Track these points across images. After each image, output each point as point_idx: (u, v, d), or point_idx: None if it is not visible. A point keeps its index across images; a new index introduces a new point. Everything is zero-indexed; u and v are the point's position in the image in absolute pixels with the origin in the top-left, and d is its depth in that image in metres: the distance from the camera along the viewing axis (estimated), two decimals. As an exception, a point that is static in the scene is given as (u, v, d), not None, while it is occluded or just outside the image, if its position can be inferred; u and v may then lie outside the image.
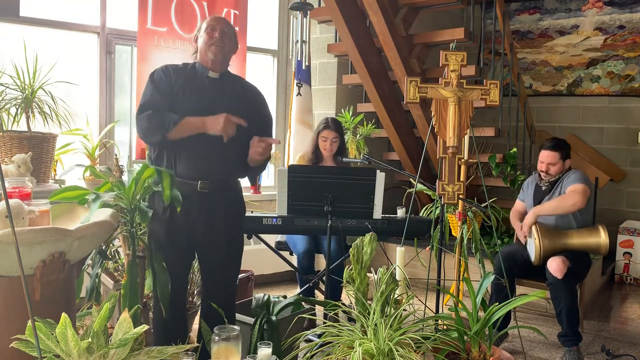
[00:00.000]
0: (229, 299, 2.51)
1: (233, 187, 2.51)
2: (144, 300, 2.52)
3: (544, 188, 3.39)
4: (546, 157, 3.35)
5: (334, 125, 3.56)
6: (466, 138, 3.55)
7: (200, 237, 2.41)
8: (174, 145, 2.34)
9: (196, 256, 2.54)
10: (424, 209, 3.80)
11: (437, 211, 3.38)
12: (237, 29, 4.26)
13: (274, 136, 4.87)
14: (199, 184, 2.36)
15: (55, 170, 3.26)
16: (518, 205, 3.57)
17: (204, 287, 2.55)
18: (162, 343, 2.25)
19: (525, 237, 3.36)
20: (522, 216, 3.49)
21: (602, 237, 3.19)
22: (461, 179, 3.49)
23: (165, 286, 2.28)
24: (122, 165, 2.62)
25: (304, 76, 4.29)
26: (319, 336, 2.14)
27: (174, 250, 2.39)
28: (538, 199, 3.40)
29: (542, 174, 3.39)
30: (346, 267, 2.29)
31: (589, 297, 4.15)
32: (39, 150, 2.87)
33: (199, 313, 2.64)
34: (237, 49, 2.54)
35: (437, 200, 3.26)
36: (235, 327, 2.02)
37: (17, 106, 2.88)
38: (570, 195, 3.17)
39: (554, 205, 3.23)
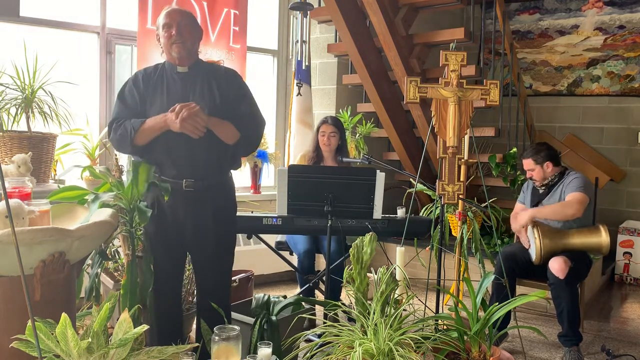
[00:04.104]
0: (223, 297, 2.50)
1: (222, 185, 2.47)
2: (144, 300, 2.52)
3: (541, 191, 3.40)
4: (524, 166, 3.42)
5: (332, 120, 3.58)
6: (466, 138, 3.55)
7: (189, 236, 2.40)
8: (154, 146, 2.33)
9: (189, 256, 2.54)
10: (424, 209, 3.80)
11: (437, 211, 3.38)
12: (237, 28, 4.31)
13: (274, 133, 4.91)
14: (184, 182, 2.34)
15: (55, 170, 3.26)
16: (518, 208, 3.55)
17: (197, 286, 2.55)
18: (157, 344, 2.25)
19: (526, 238, 3.35)
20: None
21: (603, 237, 3.19)
22: (461, 179, 3.49)
23: (146, 289, 2.29)
24: (121, 165, 2.62)
25: (304, 76, 4.29)
26: (319, 336, 2.13)
27: (164, 250, 2.39)
28: (535, 201, 3.41)
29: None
30: (346, 267, 2.29)
31: (589, 297, 4.15)
32: (39, 150, 2.87)
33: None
34: (202, 34, 2.48)
35: (437, 200, 3.26)
36: (235, 327, 2.02)
37: (17, 106, 2.88)
38: (571, 205, 3.17)
39: (553, 210, 3.23)
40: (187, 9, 2.47)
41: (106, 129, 3.72)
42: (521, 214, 3.33)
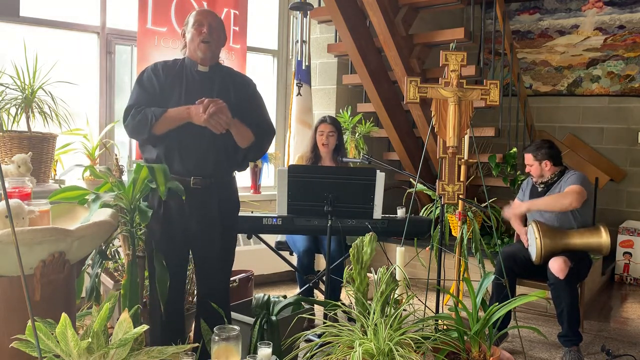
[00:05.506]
0: (223, 297, 2.51)
1: (227, 184, 2.50)
2: (144, 300, 2.52)
3: (540, 189, 3.41)
4: (525, 160, 3.44)
5: (330, 119, 3.58)
6: (466, 138, 3.55)
7: (193, 233, 2.41)
8: (164, 141, 2.34)
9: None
10: (424, 209, 3.80)
11: (437, 211, 3.38)
12: (237, 28, 4.31)
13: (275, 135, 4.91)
14: (192, 180, 2.35)
15: (55, 170, 3.26)
16: (515, 204, 3.57)
17: (198, 286, 2.56)
18: (158, 344, 2.25)
19: (525, 238, 3.35)
20: (520, 216, 3.50)
21: (603, 238, 3.19)
22: (461, 179, 3.49)
23: (165, 285, 2.28)
24: (122, 165, 2.62)
25: (304, 76, 4.29)
26: (319, 336, 2.14)
27: (169, 247, 2.39)
28: (532, 199, 3.41)
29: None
30: (346, 267, 2.29)
31: (589, 297, 4.15)
32: (39, 150, 2.87)
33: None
34: (226, 41, 2.52)
35: (437, 200, 3.27)
36: (235, 327, 2.02)
37: (17, 106, 2.88)
38: (567, 195, 3.18)
39: (549, 201, 3.24)
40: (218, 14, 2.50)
41: (107, 128, 3.77)
42: (517, 203, 3.36)
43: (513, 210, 3.34)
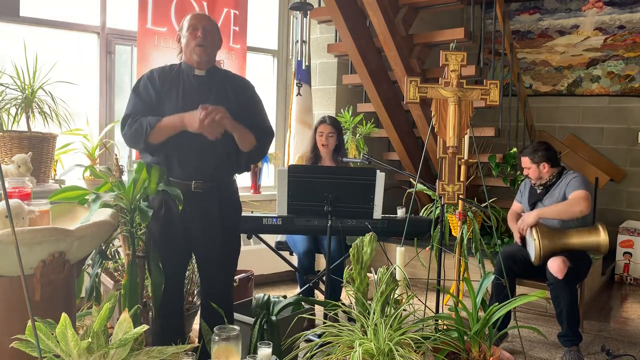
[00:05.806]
0: (225, 297, 2.51)
1: (228, 186, 2.50)
2: (144, 300, 2.52)
3: (538, 191, 3.40)
4: (522, 163, 3.43)
5: (330, 120, 3.58)
6: (466, 138, 3.55)
7: (195, 236, 2.41)
8: (162, 149, 2.34)
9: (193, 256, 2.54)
10: (424, 209, 3.80)
11: (437, 211, 3.38)
12: (236, 28, 4.31)
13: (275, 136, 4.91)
14: (193, 184, 2.35)
15: (55, 170, 3.26)
16: (515, 206, 3.58)
17: (201, 286, 2.56)
18: (158, 344, 2.25)
19: (520, 236, 3.34)
20: (519, 217, 3.49)
21: (601, 236, 3.19)
22: (461, 179, 3.49)
23: (159, 287, 2.28)
24: (122, 165, 2.61)
25: (304, 76, 4.29)
26: (319, 336, 2.14)
27: (169, 249, 2.40)
28: (532, 201, 3.42)
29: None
30: (346, 267, 2.29)
31: (589, 297, 4.15)
32: (39, 150, 2.87)
33: (199, 313, 2.65)
34: (222, 44, 2.51)
35: (437, 200, 3.26)
36: (235, 327, 2.02)
37: (17, 106, 2.88)
38: (577, 202, 3.16)
39: (560, 209, 3.22)
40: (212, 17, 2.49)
41: (107, 128, 3.77)
42: (527, 214, 3.32)
43: (526, 222, 3.30)
